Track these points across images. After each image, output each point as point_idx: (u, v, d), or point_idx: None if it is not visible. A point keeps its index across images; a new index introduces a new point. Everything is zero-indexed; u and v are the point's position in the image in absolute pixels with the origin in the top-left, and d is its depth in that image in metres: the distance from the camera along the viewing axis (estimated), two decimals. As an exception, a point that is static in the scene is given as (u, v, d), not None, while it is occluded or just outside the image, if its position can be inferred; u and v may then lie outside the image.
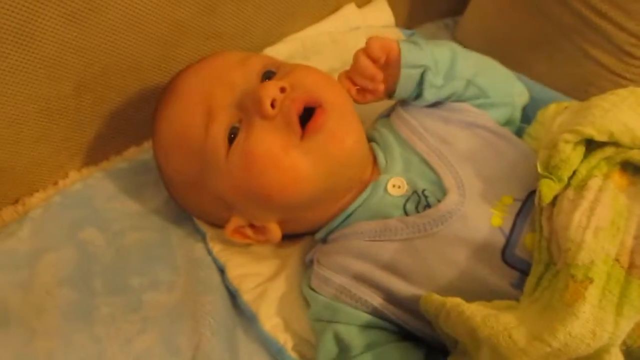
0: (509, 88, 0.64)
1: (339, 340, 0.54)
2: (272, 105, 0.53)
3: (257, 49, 0.75)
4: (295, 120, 0.53)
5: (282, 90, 0.54)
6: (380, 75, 0.59)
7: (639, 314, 0.43)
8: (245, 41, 0.74)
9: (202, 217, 0.65)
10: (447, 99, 0.61)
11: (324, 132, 0.54)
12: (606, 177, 0.49)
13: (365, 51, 0.59)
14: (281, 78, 0.57)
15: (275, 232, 0.59)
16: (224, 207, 0.59)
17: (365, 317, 0.54)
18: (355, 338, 0.54)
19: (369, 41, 0.59)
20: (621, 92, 0.54)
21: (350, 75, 0.60)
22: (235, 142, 0.55)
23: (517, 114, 0.64)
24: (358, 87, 0.60)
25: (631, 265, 0.45)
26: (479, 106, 0.61)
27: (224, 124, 0.55)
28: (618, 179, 0.50)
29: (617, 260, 0.45)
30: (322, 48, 0.76)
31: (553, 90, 0.72)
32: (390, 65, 0.59)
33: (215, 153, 0.55)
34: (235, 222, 0.59)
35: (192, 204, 0.63)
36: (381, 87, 0.60)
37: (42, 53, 0.59)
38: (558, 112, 0.58)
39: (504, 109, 0.63)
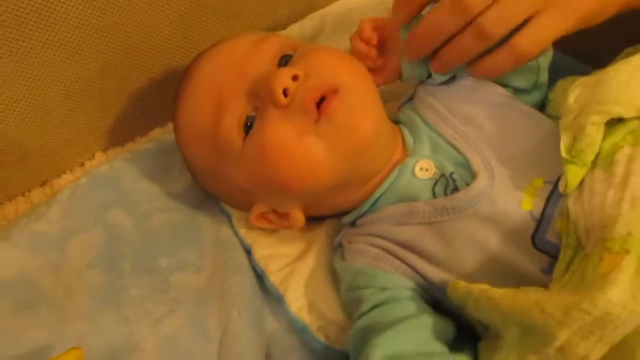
0: None
1: (375, 298, 0.53)
2: (285, 94, 0.52)
3: (281, 27, 0.74)
4: (312, 108, 0.52)
5: (295, 78, 0.53)
6: (372, 52, 0.59)
7: None
8: (269, 19, 0.73)
9: (226, 202, 0.65)
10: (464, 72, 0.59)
11: (337, 117, 0.52)
12: (635, 144, 0.48)
13: (358, 33, 0.59)
14: (297, 62, 0.56)
15: (299, 218, 0.59)
16: (245, 195, 0.59)
17: (402, 281, 0.53)
18: (393, 303, 0.53)
19: (359, 23, 0.59)
20: (633, 60, 0.52)
21: (355, 46, 0.60)
22: (251, 132, 0.54)
23: (543, 77, 0.61)
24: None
25: None
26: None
27: (237, 115, 0.54)
28: None
29: None
30: (344, 25, 0.75)
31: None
32: (385, 45, 0.59)
33: (229, 144, 0.55)
34: (258, 208, 0.59)
35: (215, 190, 0.63)
36: (381, 65, 0.60)
37: (66, 33, 0.59)
38: (567, 88, 0.56)
39: (527, 74, 0.60)
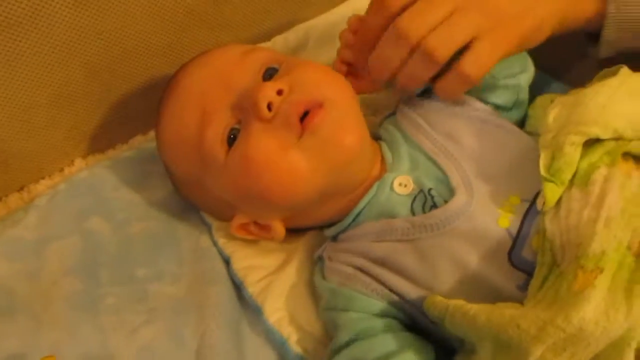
0: (509, 69, 0.62)
1: (353, 327, 0.53)
2: (269, 108, 0.52)
3: (266, 38, 0.74)
4: (295, 122, 0.53)
5: (280, 92, 0.53)
6: (352, 40, 0.59)
7: None
8: (255, 30, 0.73)
9: (207, 211, 0.64)
10: None
11: (322, 130, 0.53)
12: (611, 165, 0.49)
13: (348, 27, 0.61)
14: (282, 76, 0.56)
15: (279, 230, 0.59)
16: (226, 206, 0.59)
17: (379, 305, 0.54)
18: (372, 324, 0.53)
19: (348, 19, 0.61)
20: (611, 82, 0.54)
21: (339, 55, 0.61)
22: (234, 145, 0.54)
23: (523, 95, 0.63)
24: (348, 69, 0.61)
25: None
26: (475, 91, 0.60)
27: (220, 127, 0.55)
28: (623, 165, 0.49)
29: (629, 247, 0.45)
30: (328, 39, 0.75)
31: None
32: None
33: (212, 156, 0.55)
34: (239, 219, 0.59)
35: (196, 200, 0.63)
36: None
37: (54, 38, 0.59)
38: (546, 106, 0.57)
39: (507, 91, 0.61)
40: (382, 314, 0.54)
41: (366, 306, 0.54)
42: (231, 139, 0.55)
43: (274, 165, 0.53)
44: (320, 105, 0.53)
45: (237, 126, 0.55)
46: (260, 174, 0.53)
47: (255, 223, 0.59)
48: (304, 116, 0.53)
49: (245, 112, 0.54)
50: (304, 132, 0.53)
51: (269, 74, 0.57)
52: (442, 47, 0.52)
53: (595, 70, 0.59)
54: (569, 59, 0.71)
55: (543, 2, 0.56)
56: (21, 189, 0.67)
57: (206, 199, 0.61)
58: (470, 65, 0.53)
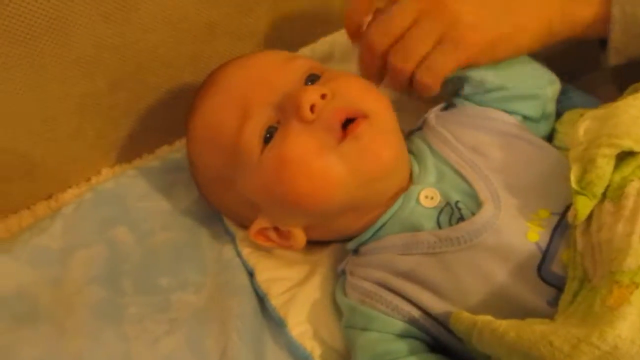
0: (534, 79, 0.62)
1: (374, 348, 0.53)
2: (312, 110, 0.52)
3: (291, 49, 0.74)
4: (337, 127, 0.53)
5: (323, 96, 0.53)
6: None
7: None
8: (279, 42, 0.73)
9: (228, 215, 0.64)
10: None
11: (363, 139, 0.52)
12: None
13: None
14: (324, 84, 0.56)
15: (300, 238, 0.58)
16: (249, 207, 0.58)
17: (400, 325, 0.53)
18: (392, 347, 0.52)
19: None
20: None
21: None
22: (271, 143, 0.54)
23: (551, 107, 0.62)
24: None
25: None
26: (502, 100, 0.60)
27: (259, 124, 0.54)
28: None
29: None
30: (353, 52, 0.75)
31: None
32: None
33: (248, 152, 0.55)
34: (259, 223, 0.58)
35: (220, 201, 0.63)
36: None
37: (77, 50, 0.59)
38: (575, 120, 0.56)
39: (533, 101, 0.60)
40: (404, 334, 0.53)
41: (387, 326, 0.53)
42: (267, 137, 0.54)
43: (309, 167, 0.52)
44: (365, 116, 0.53)
45: (275, 125, 0.55)
46: (293, 173, 0.53)
47: (276, 229, 0.59)
48: (346, 124, 0.53)
49: (286, 112, 0.54)
50: (346, 137, 0.52)
51: (311, 79, 0.57)
52: (404, 61, 0.57)
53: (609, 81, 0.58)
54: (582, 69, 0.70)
55: (518, 9, 0.56)
56: (49, 197, 0.68)
57: (229, 199, 0.60)
58: (424, 74, 0.57)
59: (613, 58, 0.59)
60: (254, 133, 0.54)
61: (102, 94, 0.64)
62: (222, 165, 0.57)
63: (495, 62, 0.59)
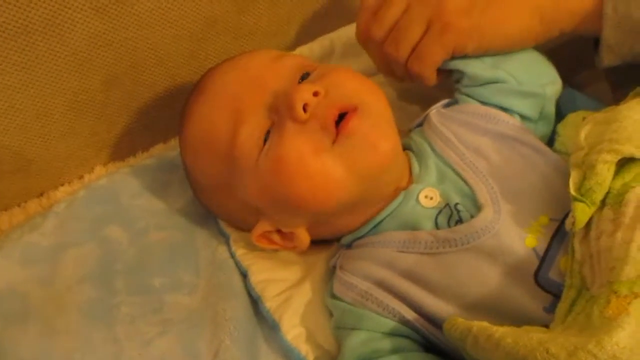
0: (535, 76, 0.61)
1: (362, 348, 0.52)
2: (305, 109, 0.52)
3: (289, 48, 0.74)
4: (331, 126, 0.52)
5: (316, 94, 0.52)
6: None
7: None
8: (278, 40, 0.73)
9: (227, 220, 0.63)
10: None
11: (357, 135, 0.52)
12: None
13: None
14: (316, 80, 0.55)
15: (304, 238, 0.57)
16: (251, 212, 0.57)
17: (391, 324, 0.52)
18: (380, 345, 0.52)
19: None
20: None
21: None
22: (267, 145, 0.53)
23: (549, 108, 0.61)
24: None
25: None
26: (500, 94, 0.59)
27: (254, 127, 0.54)
28: None
29: None
30: (354, 50, 0.75)
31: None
32: None
33: (244, 157, 0.54)
34: (262, 227, 0.57)
35: (218, 207, 0.62)
36: None
37: (71, 45, 0.58)
38: (577, 123, 0.55)
39: (531, 99, 0.60)
40: (394, 333, 0.52)
41: (377, 325, 0.53)
42: (265, 139, 0.54)
43: (307, 168, 0.52)
44: (355, 109, 0.52)
45: (270, 128, 0.54)
46: (292, 176, 0.52)
47: (279, 231, 0.58)
48: (339, 120, 0.52)
49: (279, 113, 0.53)
50: (339, 136, 0.52)
51: (303, 78, 0.56)
52: (396, 49, 0.58)
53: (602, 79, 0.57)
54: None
55: None
56: (40, 195, 0.67)
57: (229, 205, 0.59)
58: (414, 62, 0.58)
59: (606, 58, 0.59)
60: (249, 137, 0.54)
61: (96, 90, 0.63)
62: (218, 172, 0.57)
63: (486, 50, 0.59)
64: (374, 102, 0.55)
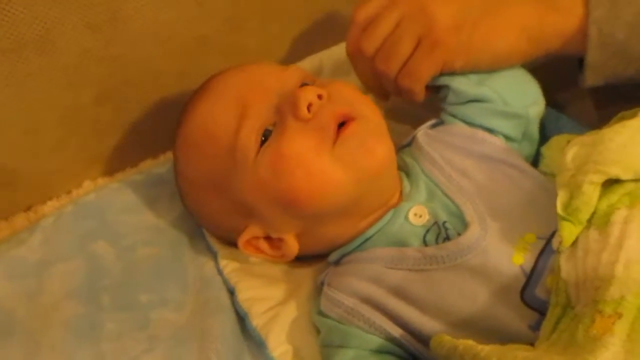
0: (519, 96, 0.61)
1: None
2: (308, 110, 0.53)
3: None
4: (332, 127, 0.53)
5: (320, 97, 0.54)
6: None
7: None
8: (269, 58, 0.73)
9: (214, 228, 0.63)
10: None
11: (355, 139, 0.54)
12: (631, 206, 0.48)
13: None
14: (319, 87, 0.57)
15: (292, 246, 0.58)
16: (242, 214, 0.57)
17: (378, 342, 0.53)
18: None
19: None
20: (632, 123, 0.52)
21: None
22: (266, 143, 0.54)
23: (533, 129, 0.62)
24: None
25: None
26: (483, 114, 0.60)
27: (256, 125, 0.55)
28: None
29: None
30: (343, 69, 0.75)
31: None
32: None
33: (245, 151, 0.55)
34: (251, 231, 0.58)
35: (207, 211, 0.61)
36: None
37: (63, 61, 0.59)
38: (562, 146, 0.56)
39: (514, 121, 0.60)
40: (381, 350, 0.52)
41: (364, 342, 0.53)
42: (262, 140, 0.54)
43: (308, 165, 0.53)
44: (353, 119, 0.54)
45: (271, 127, 0.55)
46: (291, 170, 0.53)
47: (267, 238, 0.58)
48: (339, 127, 0.54)
49: (283, 111, 0.54)
50: (338, 138, 0.53)
51: (305, 84, 0.58)
52: (388, 65, 0.58)
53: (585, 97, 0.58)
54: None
55: (496, 13, 0.57)
56: (28, 209, 0.67)
57: (220, 207, 0.59)
58: (404, 78, 0.59)
59: (590, 78, 0.59)
60: (251, 132, 0.54)
61: (86, 106, 0.63)
62: (215, 168, 0.57)
63: (473, 67, 0.59)
64: (370, 114, 0.56)
